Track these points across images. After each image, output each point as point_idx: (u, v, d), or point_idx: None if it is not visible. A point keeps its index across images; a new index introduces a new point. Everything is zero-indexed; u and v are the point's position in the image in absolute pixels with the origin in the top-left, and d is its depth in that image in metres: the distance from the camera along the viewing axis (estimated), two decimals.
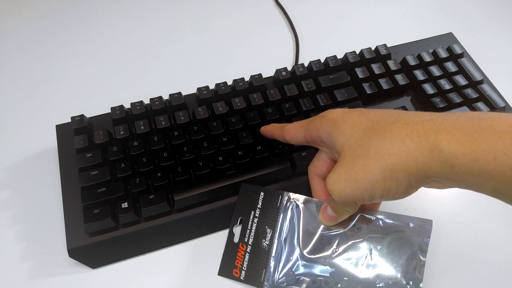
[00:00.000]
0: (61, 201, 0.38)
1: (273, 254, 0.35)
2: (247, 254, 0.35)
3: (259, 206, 0.37)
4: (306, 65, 0.46)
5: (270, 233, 0.36)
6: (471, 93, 0.44)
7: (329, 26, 0.58)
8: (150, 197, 0.36)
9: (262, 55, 0.54)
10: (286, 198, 0.37)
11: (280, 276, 0.34)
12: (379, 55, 0.47)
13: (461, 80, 0.45)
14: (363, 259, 0.34)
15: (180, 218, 0.37)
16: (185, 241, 0.39)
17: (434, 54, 0.48)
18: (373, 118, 0.29)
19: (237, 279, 0.35)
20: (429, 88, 0.45)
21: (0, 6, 0.58)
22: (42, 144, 0.44)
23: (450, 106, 0.43)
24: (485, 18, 0.59)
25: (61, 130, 0.42)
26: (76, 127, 0.40)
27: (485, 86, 0.45)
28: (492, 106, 0.43)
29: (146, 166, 0.38)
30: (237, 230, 0.37)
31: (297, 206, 0.37)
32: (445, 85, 0.45)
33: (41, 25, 0.56)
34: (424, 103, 0.45)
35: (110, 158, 0.38)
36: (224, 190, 0.38)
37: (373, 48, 0.48)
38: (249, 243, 0.36)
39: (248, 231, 0.36)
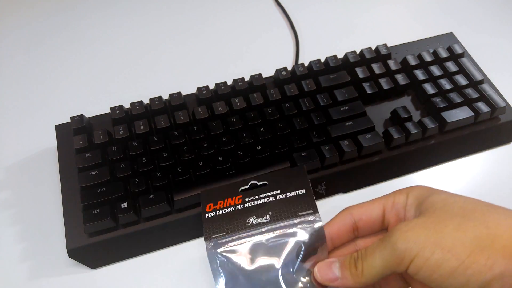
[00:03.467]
0: (61, 201, 0.38)
1: None
2: None
3: None
4: (306, 64, 0.46)
5: None
6: (471, 93, 0.44)
7: (329, 26, 0.57)
8: (150, 197, 0.36)
9: (262, 55, 0.54)
10: None
11: None
12: (380, 55, 0.47)
13: (461, 80, 0.45)
14: None
15: (180, 218, 0.37)
16: (185, 242, 0.39)
17: (435, 54, 0.48)
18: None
19: None
20: (429, 88, 0.45)
21: (0, 6, 0.59)
22: (42, 144, 0.44)
23: (451, 106, 0.43)
24: (486, 17, 0.59)
25: (61, 130, 0.42)
26: (76, 127, 0.40)
27: (485, 86, 0.45)
28: (493, 106, 0.43)
29: (146, 166, 0.38)
30: None
31: None
32: (446, 85, 0.45)
33: (41, 25, 0.56)
34: (424, 103, 0.45)
35: (109, 158, 0.38)
36: None
37: (373, 48, 0.48)
38: None
39: None
